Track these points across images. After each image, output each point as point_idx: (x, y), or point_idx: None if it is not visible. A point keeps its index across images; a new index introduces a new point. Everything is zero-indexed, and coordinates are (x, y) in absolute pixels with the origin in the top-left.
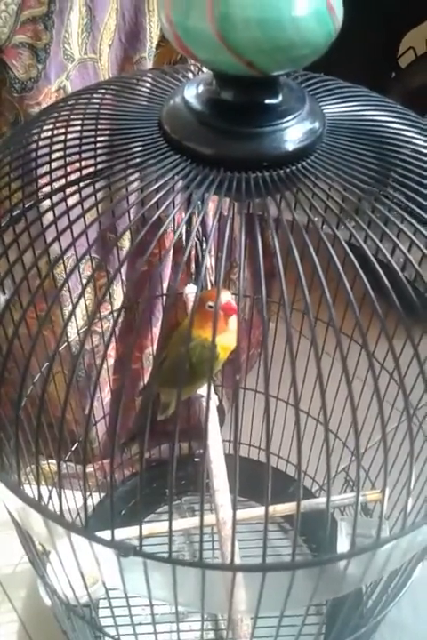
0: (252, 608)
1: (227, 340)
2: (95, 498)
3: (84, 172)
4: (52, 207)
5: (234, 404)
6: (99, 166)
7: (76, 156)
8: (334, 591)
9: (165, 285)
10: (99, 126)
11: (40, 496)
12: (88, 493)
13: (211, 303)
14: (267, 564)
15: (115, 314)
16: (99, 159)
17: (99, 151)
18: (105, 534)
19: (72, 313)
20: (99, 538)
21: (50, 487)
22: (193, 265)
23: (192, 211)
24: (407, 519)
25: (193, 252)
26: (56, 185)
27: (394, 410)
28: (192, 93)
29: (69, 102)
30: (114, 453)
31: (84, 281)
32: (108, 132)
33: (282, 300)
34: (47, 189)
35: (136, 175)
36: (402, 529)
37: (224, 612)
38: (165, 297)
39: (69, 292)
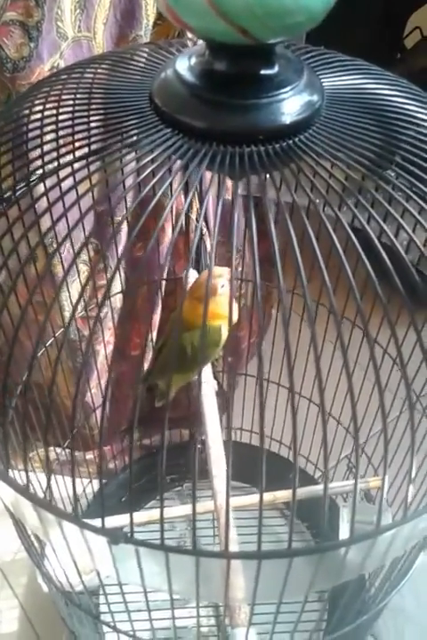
0: (249, 595)
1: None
2: (95, 485)
3: (77, 145)
4: (42, 179)
5: (229, 388)
6: (92, 140)
7: (69, 130)
8: (333, 579)
9: (166, 271)
10: (92, 101)
11: (28, 483)
12: (88, 480)
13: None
14: (262, 551)
15: (112, 299)
16: (92, 132)
17: (92, 125)
18: (97, 521)
19: (59, 289)
20: (89, 525)
21: (46, 474)
22: (194, 249)
23: (184, 185)
24: (410, 507)
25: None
26: (47, 158)
27: (397, 397)
28: (184, 66)
29: (62, 77)
30: (102, 440)
31: (80, 265)
32: (101, 107)
33: (280, 286)
34: (39, 166)
35: (126, 150)
36: (404, 517)
37: (221, 601)
38: (164, 282)
39: (65, 277)
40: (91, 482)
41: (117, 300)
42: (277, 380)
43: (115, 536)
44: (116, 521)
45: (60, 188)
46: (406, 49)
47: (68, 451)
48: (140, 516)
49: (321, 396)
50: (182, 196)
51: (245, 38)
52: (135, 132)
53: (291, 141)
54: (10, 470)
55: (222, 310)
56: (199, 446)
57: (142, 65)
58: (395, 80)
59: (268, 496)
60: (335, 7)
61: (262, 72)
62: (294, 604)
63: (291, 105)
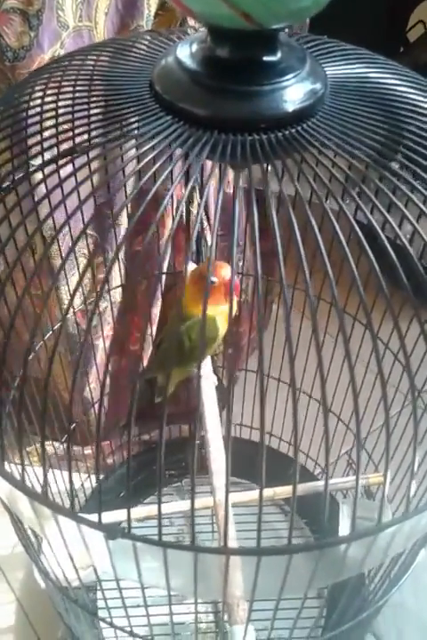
0: (248, 592)
1: (227, 310)
2: (93, 480)
3: (77, 132)
4: (41, 168)
5: (229, 381)
6: (92, 127)
7: (69, 117)
8: (333, 576)
9: (166, 265)
10: (92, 89)
11: (24, 476)
12: (87, 475)
13: (213, 278)
14: (262, 548)
15: (111, 293)
16: (92, 119)
17: (92, 113)
18: (94, 516)
19: (56, 279)
20: (86, 520)
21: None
22: (194, 243)
23: (184, 174)
24: (411, 503)
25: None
26: (46, 144)
27: (398, 392)
28: (185, 52)
29: (63, 64)
30: (99, 434)
31: (80, 258)
32: (101, 95)
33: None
34: (38, 152)
35: (126, 138)
36: (405, 513)
37: (219, 597)
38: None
39: (64, 270)
40: (89, 477)
41: (117, 294)
42: (277, 376)
43: (112, 531)
44: (114, 516)
45: (59, 175)
46: (410, 42)
47: (65, 445)
48: (138, 512)
49: (323, 386)
50: (182, 187)
51: (247, 23)
52: (135, 119)
53: (294, 130)
54: (6, 463)
55: (217, 303)
56: (198, 442)
57: (143, 52)
58: (399, 69)
59: (267, 492)
60: (339, 1)
61: (265, 58)
62: (293, 600)
63: (294, 92)
